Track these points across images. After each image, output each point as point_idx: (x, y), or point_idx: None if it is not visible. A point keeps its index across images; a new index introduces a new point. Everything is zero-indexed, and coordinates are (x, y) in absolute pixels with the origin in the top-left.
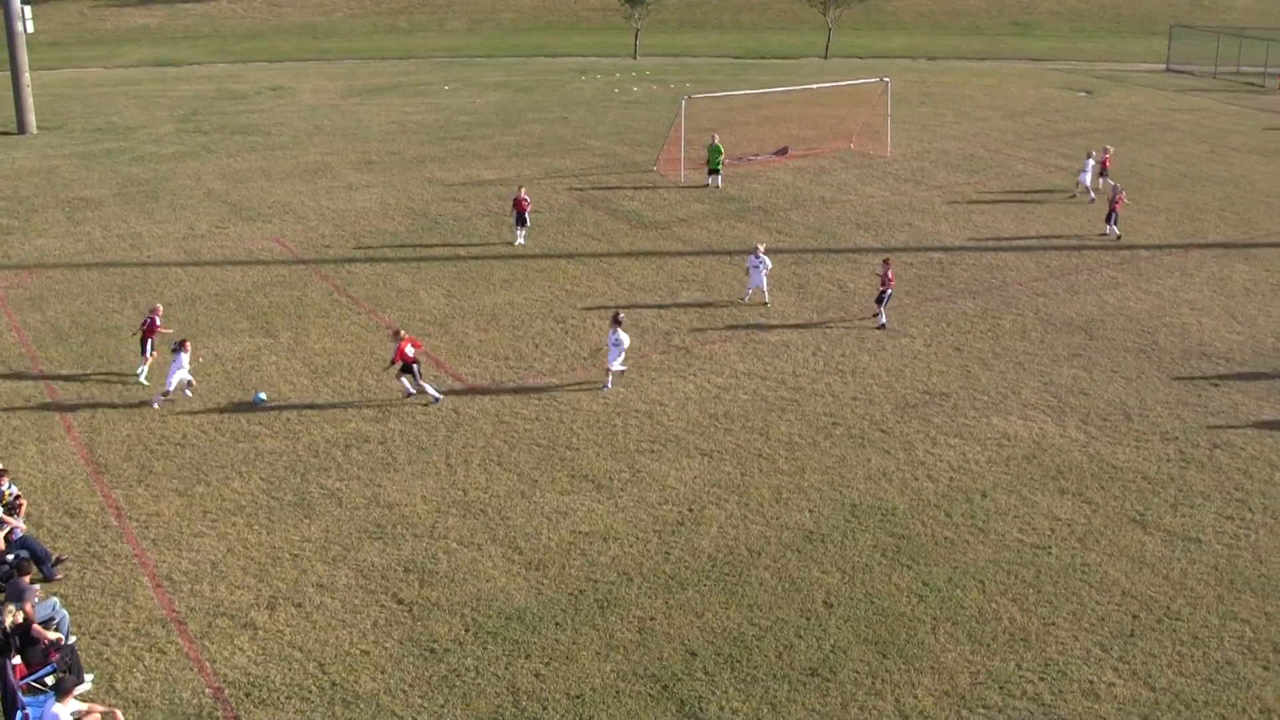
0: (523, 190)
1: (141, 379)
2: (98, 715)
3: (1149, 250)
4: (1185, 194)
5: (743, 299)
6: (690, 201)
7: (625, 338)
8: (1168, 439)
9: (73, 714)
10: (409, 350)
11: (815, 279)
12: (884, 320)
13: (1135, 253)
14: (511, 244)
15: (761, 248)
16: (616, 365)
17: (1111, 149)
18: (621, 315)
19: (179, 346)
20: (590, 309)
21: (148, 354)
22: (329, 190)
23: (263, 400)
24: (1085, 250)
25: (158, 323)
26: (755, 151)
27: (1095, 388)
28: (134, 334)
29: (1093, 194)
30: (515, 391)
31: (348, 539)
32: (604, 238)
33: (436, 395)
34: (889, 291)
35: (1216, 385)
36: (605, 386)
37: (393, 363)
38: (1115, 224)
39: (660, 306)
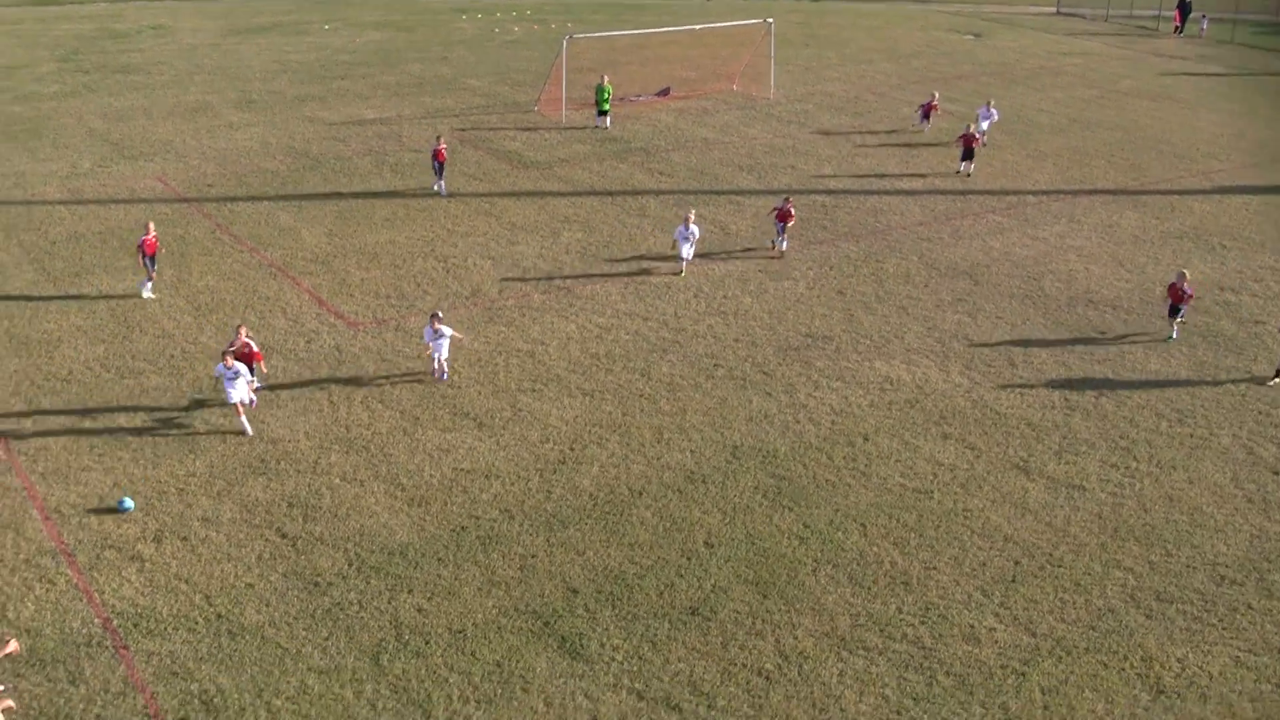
0: (441, 140)
1: (143, 294)
2: None
3: (1036, 196)
4: (1074, 140)
5: (678, 271)
6: (571, 142)
7: (447, 329)
8: (1052, 386)
9: None
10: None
11: (698, 221)
12: (784, 246)
13: (1022, 198)
14: (436, 192)
15: (691, 215)
16: (442, 356)
17: (938, 94)
18: (440, 313)
19: (229, 352)
20: (471, 250)
21: (150, 271)
22: (210, 129)
23: (128, 507)
24: (970, 195)
25: (149, 240)
26: (637, 92)
27: (979, 333)
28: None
29: (983, 139)
30: (397, 329)
31: (232, 474)
32: (485, 177)
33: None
34: (788, 224)
35: (1103, 333)
36: (444, 376)
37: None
38: (971, 161)
39: (541, 248)
